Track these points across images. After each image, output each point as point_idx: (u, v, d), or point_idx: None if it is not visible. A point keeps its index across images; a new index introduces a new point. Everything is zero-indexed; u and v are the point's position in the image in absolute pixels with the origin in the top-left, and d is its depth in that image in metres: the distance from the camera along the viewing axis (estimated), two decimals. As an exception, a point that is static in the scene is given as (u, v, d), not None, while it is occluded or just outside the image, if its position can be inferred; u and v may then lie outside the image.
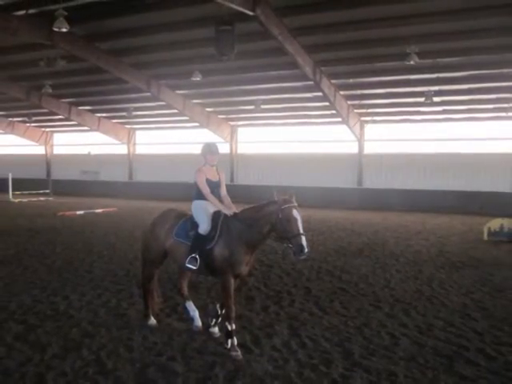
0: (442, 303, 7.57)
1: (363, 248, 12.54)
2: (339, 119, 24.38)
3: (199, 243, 5.68)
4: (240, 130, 30.09)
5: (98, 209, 21.29)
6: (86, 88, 25.50)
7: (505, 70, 18.29)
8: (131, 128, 33.10)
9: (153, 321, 6.33)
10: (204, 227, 5.71)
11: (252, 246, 5.62)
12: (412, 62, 16.68)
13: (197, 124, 28.11)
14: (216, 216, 5.78)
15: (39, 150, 37.04)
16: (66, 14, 14.09)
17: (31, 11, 15.35)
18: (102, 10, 15.66)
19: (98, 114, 30.99)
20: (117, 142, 32.94)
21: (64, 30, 14.46)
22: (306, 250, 5.26)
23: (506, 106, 21.75)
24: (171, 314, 6.85)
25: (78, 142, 35.39)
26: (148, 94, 23.64)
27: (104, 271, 9.42)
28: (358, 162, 26.34)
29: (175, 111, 26.43)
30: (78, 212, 19.82)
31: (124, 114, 28.71)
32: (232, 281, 5.56)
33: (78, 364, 5.12)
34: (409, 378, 4.93)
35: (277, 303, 7.44)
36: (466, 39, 16.11)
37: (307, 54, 18.30)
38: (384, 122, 26.04)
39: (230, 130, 29.68)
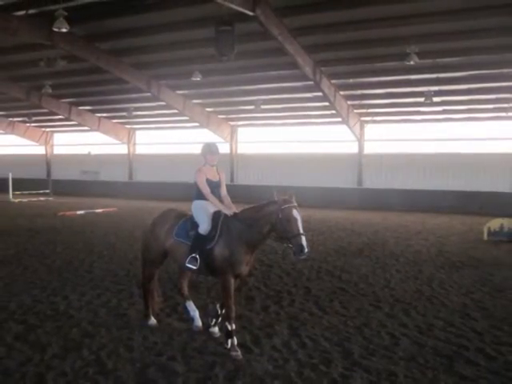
0: (442, 303, 7.57)
1: (363, 248, 12.54)
2: (339, 119, 24.37)
3: (199, 243, 5.69)
4: (240, 130, 30.08)
5: (98, 209, 21.29)
6: (86, 88, 25.50)
7: (505, 70, 18.29)
8: (131, 128, 33.09)
9: (153, 321, 6.33)
10: (204, 227, 5.72)
11: (252, 246, 5.63)
12: (412, 62, 16.69)
13: (197, 124, 28.11)
14: (216, 216, 5.79)
15: (39, 149, 37.04)
16: (65, 14, 14.10)
17: (31, 11, 15.36)
18: (101, 10, 15.66)
19: (98, 114, 30.98)
20: (117, 141, 32.93)
21: (64, 30, 14.46)
22: (306, 249, 5.26)
23: (505, 106, 21.75)
24: (171, 313, 6.85)
25: (78, 142, 35.38)
26: (148, 94, 23.65)
27: (104, 271, 9.42)
28: (358, 162, 26.32)
29: (175, 111, 26.43)
30: (78, 212, 19.83)
31: (124, 114, 28.71)
32: (232, 281, 5.56)
33: (78, 364, 5.13)
34: (409, 377, 4.93)
35: (277, 303, 7.44)
36: (465, 39, 16.11)
37: (307, 54, 18.29)
38: (384, 122, 26.03)
39: (229, 130, 29.68)
